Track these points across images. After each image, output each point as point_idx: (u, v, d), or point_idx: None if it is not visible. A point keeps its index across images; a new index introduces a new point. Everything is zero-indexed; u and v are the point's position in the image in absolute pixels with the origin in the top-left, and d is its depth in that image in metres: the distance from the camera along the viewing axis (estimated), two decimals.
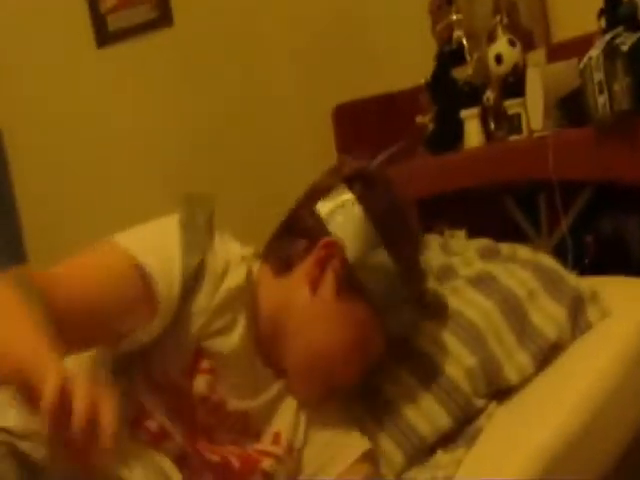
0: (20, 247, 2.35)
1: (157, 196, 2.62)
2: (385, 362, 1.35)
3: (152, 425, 1.17)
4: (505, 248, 1.65)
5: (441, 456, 1.32)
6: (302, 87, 3.13)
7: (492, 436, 1.32)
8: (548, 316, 1.42)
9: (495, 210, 2.47)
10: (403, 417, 1.33)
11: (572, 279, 1.49)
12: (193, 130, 2.94)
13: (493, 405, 1.37)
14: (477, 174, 2.33)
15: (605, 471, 1.28)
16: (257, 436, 1.26)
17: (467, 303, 1.44)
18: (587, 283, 1.51)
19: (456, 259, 1.59)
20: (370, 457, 1.29)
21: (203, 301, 1.20)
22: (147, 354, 1.18)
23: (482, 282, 1.48)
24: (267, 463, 1.23)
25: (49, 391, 0.86)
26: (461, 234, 2.55)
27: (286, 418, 1.28)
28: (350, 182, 1.28)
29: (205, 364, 1.21)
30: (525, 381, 1.38)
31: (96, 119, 2.80)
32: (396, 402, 1.35)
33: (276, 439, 1.26)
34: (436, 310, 1.43)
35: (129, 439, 1.15)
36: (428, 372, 1.36)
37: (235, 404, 1.23)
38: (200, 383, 1.20)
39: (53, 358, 0.93)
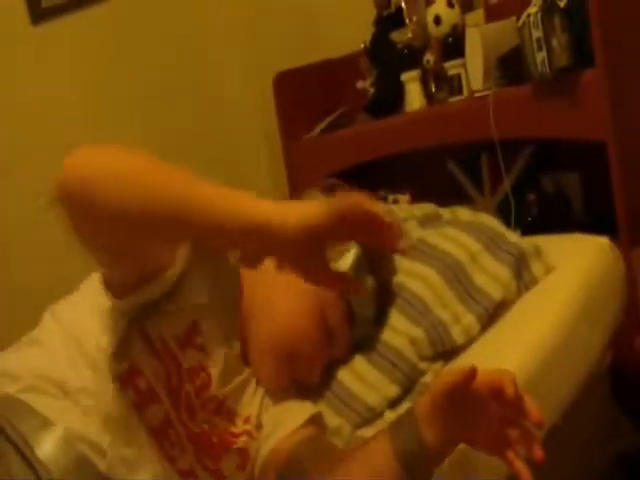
0: None
1: None
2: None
3: (142, 383, 1.17)
4: (446, 213, 1.66)
5: (388, 415, 1.33)
6: (241, 55, 3.09)
7: None
8: (492, 277, 1.43)
9: (438, 173, 2.47)
10: (351, 393, 1.35)
11: (514, 237, 1.50)
12: (131, 106, 2.88)
13: (440, 364, 1.38)
14: (419, 137, 2.33)
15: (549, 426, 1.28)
16: (228, 418, 1.26)
17: (408, 274, 1.45)
18: (530, 240, 1.52)
19: None
20: (316, 421, 1.29)
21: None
22: (149, 315, 1.18)
23: (421, 252, 1.48)
24: (241, 439, 1.25)
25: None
26: (404, 198, 2.57)
27: (255, 402, 1.30)
28: None
29: (198, 340, 1.22)
30: (472, 340, 1.39)
31: (33, 99, 2.72)
32: (344, 380, 1.37)
33: (247, 421, 1.28)
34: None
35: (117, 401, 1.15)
36: (373, 348, 1.37)
37: (216, 387, 1.24)
38: (191, 356, 1.21)
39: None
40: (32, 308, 1.30)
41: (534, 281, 1.47)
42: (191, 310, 1.22)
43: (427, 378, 1.36)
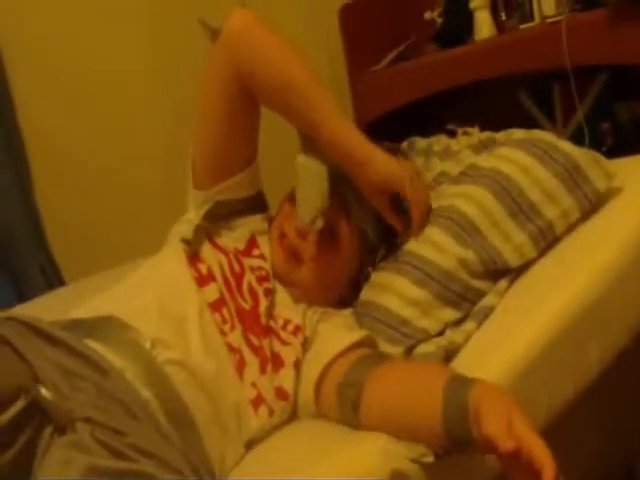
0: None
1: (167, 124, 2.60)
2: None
3: (203, 268, 1.33)
4: (500, 136, 1.61)
5: (449, 332, 1.31)
6: None
7: (502, 314, 1.30)
8: (544, 192, 1.36)
9: (509, 103, 2.42)
10: (401, 318, 1.33)
11: (568, 147, 1.42)
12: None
13: (503, 283, 1.35)
14: (489, 67, 2.27)
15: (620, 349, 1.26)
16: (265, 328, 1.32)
17: (456, 196, 1.42)
18: (587, 151, 1.43)
19: (449, 164, 1.56)
20: (367, 344, 1.28)
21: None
22: (217, 225, 1.41)
23: (467, 175, 1.45)
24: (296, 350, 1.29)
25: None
26: (474, 131, 2.52)
27: (289, 306, 1.36)
28: None
29: (256, 252, 1.42)
30: (534, 261, 1.35)
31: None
32: (391, 307, 1.34)
33: (285, 325, 1.33)
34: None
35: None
36: (421, 271, 1.35)
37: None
38: (252, 262, 1.40)
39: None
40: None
41: (595, 192, 1.37)
42: (248, 230, 1.44)
43: (491, 299, 1.33)
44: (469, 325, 1.29)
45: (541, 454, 0.89)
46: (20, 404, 1.00)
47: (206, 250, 1.37)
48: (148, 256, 1.42)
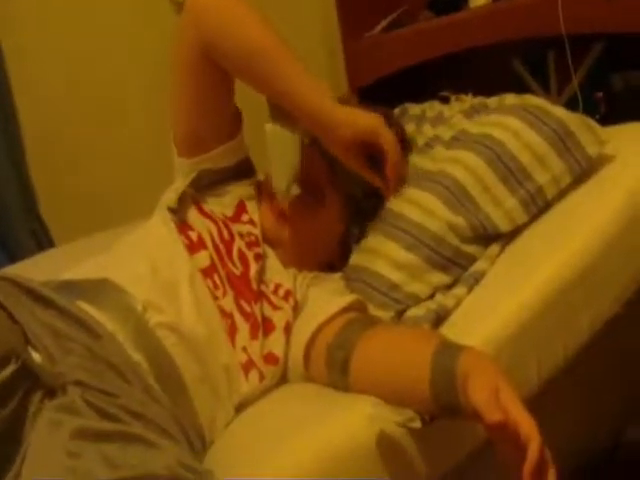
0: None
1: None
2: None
3: (193, 235, 1.33)
4: (492, 100, 1.61)
5: (439, 296, 1.32)
6: None
7: (493, 279, 1.31)
8: (535, 156, 1.37)
9: (503, 72, 2.41)
10: (390, 283, 1.34)
11: (560, 112, 1.42)
12: None
13: (495, 248, 1.35)
14: (483, 34, 2.25)
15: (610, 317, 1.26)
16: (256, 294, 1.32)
17: (447, 161, 1.42)
18: (579, 116, 1.44)
19: (441, 128, 1.56)
20: (357, 308, 1.29)
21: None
22: (204, 193, 1.41)
23: (459, 140, 1.45)
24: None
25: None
26: (467, 99, 2.51)
27: (280, 271, 1.37)
28: None
29: (245, 217, 1.42)
30: (526, 226, 1.36)
31: None
32: (380, 271, 1.35)
33: (276, 290, 1.33)
34: (415, 179, 1.42)
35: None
36: (411, 236, 1.35)
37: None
38: (242, 228, 1.40)
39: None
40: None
41: (586, 157, 1.37)
42: (237, 195, 1.44)
43: (482, 264, 1.33)
44: (460, 290, 1.30)
45: (527, 427, 0.89)
46: (10, 368, 0.99)
47: (194, 218, 1.37)
48: (141, 220, 1.42)
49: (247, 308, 1.28)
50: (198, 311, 1.23)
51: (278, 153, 1.34)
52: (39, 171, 2.34)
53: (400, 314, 1.32)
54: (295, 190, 1.35)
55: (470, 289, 1.30)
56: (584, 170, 1.37)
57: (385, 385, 1.11)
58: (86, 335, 1.13)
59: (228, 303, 1.27)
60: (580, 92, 2.05)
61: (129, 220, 1.70)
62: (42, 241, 2.28)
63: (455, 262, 1.34)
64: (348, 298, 1.29)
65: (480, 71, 2.50)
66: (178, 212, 1.36)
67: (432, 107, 1.69)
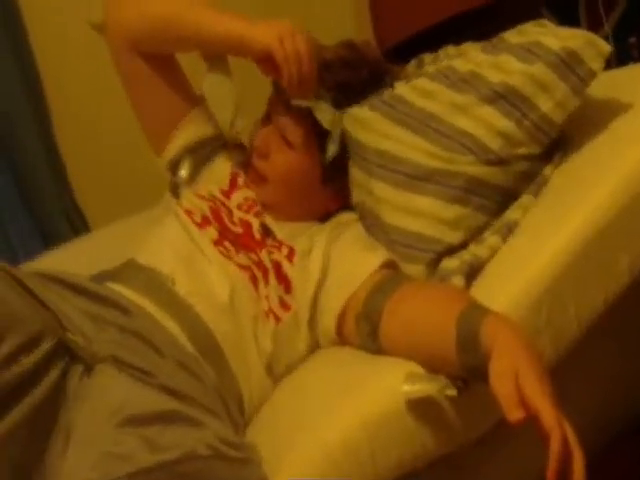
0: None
1: None
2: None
3: (197, 217, 1.40)
4: (508, 34, 1.50)
5: (472, 246, 1.29)
6: None
7: (528, 227, 1.28)
8: (537, 84, 1.31)
9: (532, 21, 2.35)
10: (416, 234, 1.30)
11: (562, 33, 1.35)
12: None
13: (527, 196, 1.32)
14: None
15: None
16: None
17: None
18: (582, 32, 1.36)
19: (457, 61, 1.44)
20: (389, 266, 1.29)
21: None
22: (196, 177, 1.49)
23: (469, 84, 1.37)
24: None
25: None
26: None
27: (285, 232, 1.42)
28: None
29: (240, 181, 1.49)
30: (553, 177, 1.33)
31: None
32: (399, 224, 1.32)
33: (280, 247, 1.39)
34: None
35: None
36: (405, 176, 1.32)
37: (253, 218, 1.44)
38: (238, 196, 1.46)
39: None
40: None
41: (590, 73, 1.30)
42: (228, 165, 1.50)
43: (514, 213, 1.30)
44: (493, 239, 1.27)
45: (548, 418, 0.86)
46: (45, 345, 1.00)
47: (194, 201, 1.44)
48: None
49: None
50: (220, 273, 1.30)
51: (216, 95, 1.45)
52: (70, 150, 2.34)
53: (434, 265, 1.29)
54: (239, 123, 1.45)
55: (504, 239, 1.27)
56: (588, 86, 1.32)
57: (415, 350, 1.11)
58: (119, 313, 1.15)
59: (243, 259, 1.34)
60: (612, 39, 1.99)
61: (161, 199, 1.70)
62: (76, 222, 2.29)
63: (469, 190, 1.30)
64: (377, 259, 1.29)
65: (508, 20, 2.44)
66: (179, 198, 1.47)
67: (446, 51, 1.63)
